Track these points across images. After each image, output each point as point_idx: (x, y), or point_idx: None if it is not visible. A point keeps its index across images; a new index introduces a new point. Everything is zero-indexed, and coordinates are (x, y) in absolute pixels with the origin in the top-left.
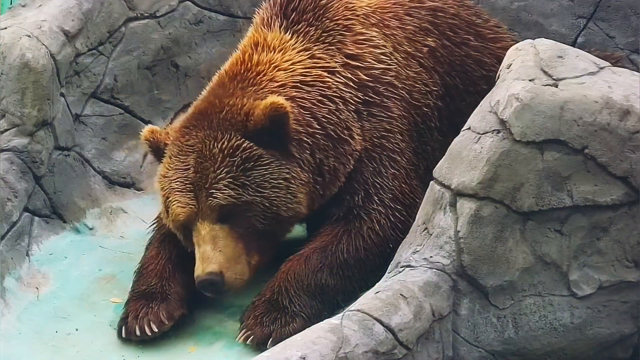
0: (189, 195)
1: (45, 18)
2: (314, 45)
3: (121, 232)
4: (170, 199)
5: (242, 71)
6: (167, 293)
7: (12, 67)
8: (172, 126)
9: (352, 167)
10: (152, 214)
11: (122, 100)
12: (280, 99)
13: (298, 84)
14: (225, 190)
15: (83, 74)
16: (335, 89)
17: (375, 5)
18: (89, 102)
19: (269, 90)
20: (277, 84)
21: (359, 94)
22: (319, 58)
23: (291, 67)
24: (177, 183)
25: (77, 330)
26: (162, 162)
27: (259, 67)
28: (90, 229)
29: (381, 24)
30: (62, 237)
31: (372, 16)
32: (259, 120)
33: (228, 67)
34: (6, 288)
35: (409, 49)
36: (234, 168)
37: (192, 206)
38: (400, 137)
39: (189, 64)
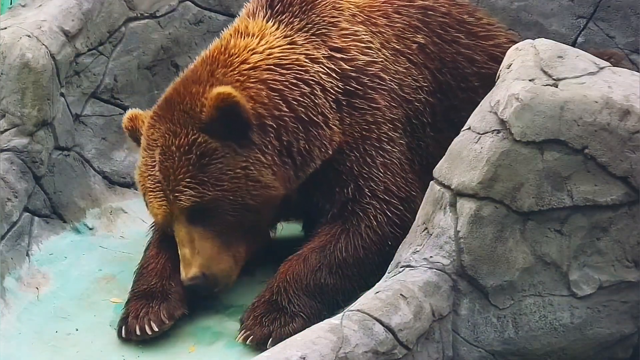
0: (159, 196)
1: (45, 18)
2: (296, 34)
3: (121, 232)
4: (146, 198)
5: (215, 55)
6: (167, 292)
7: (12, 67)
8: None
9: (330, 153)
10: None
11: (122, 100)
12: (227, 89)
13: (272, 67)
14: (186, 191)
15: (83, 74)
16: (313, 74)
17: (363, 4)
18: (89, 102)
19: (238, 73)
20: (248, 66)
21: (340, 84)
22: (300, 45)
23: (267, 50)
24: (149, 182)
25: (77, 330)
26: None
27: (233, 50)
28: (90, 229)
29: (368, 22)
30: (62, 237)
31: (359, 15)
32: (208, 112)
33: (204, 53)
34: (6, 288)
35: (397, 46)
36: (191, 167)
37: (165, 208)
38: (390, 125)
39: (189, 64)
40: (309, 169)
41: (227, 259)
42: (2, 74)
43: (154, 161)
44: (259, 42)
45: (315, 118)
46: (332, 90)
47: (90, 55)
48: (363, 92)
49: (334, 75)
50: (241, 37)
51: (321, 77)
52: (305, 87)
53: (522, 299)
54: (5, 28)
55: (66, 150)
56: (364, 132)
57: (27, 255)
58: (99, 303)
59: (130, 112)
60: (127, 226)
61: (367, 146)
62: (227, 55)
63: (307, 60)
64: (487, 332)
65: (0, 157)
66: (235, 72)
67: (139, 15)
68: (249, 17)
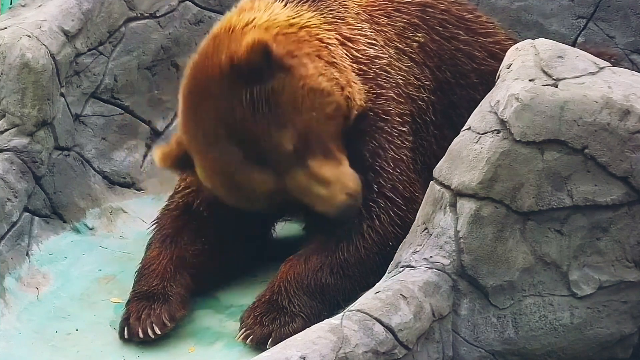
0: (261, 171)
1: (45, 18)
2: (306, 12)
3: (121, 232)
4: (245, 188)
5: (221, 33)
6: (168, 294)
7: (12, 67)
8: (176, 135)
9: (363, 105)
10: (152, 214)
11: (122, 100)
12: (252, 36)
13: (280, 26)
14: (282, 137)
15: (83, 74)
16: (325, 40)
17: (365, 3)
18: (89, 102)
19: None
20: (250, 26)
21: (355, 65)
22: (310, 20)
23: (273, 18)
24: (242, 171)
25: (77, 330)
26: (196, 170)
27: (236, 25)
28: (90, 229)
29: (371, 20)
30: (62, 237)
31: (363, 13)
32: (248, 61)
33: (210, 33)
34: (6, 288)
35: (400, 45)
36: (268, 118)
37: (269, 173)
38: (399, 120)
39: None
40: (352, 108)
41: (347, 170)
42: (2, 74)
43: (232, 151)
44: (263, 15)
45: (338, 61)
46: (346, 61)
47: (90, 55)
48: (374, 76)
49: (346, 57)
50: (247, 13)
51: (333, 42)
52: (320, 43)
53: (522, 299)
54: (5, 28)
55: (66, 150)
56: (378, 122)
57: (27, 255)
58: (99, 303)
59: (158, 152)
60: (127, 226)
61: (382, 138)
62: (229, 30)
63: (315, 28)
64: (487, 332)
65: (0, 157)
66: (239, 34)
67: (139, 15)
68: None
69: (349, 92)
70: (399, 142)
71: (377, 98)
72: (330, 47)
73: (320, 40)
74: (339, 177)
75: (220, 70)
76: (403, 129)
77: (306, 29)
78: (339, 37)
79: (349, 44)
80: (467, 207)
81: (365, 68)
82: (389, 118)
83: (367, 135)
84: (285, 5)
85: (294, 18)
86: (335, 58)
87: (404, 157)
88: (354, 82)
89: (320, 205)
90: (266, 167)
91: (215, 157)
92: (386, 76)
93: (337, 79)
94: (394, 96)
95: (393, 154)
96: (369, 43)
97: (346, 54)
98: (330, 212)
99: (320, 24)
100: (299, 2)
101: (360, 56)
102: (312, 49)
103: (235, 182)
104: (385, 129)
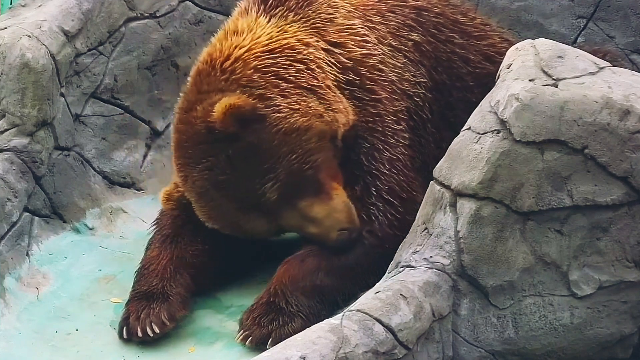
0: (255, 216)
1: (45, 18)
2: (289, 25)
3: (121, 232)
4: (242, 228)
5: (203, 69)
6: (168, 294)
7: (12, 67)
8: (174, 178)
9: (349, 125)
10: (152, 214)
11: (122, 100)
12: (223, 103)
13: (259, 53)
14: (266, 187)
15: (83, 74)
16: (306, 55)
17: (358, 2)
18: (89, 102)
19: (221, 73)
20: (229, 62)
21: (340, 76)
22: (292, 33)
23: (254, 41)
24: (235, 217)
25: (77, 330)
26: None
27: (218, 55)
28: (90, 229)
29: (364, 18)
30: (62, 237)
31: (355, 12)
32: (226, 128)
33: (194, 67)
34: (6, 288)
35: (394, 43)
36: (251, 169)
37: (262, 218)
38: (393, 118)
39: (189, 64)
40: (338, 129)
41: (338, 203)
42: (2, 74)
43: (221, 198)
44: (244, 38)
45: (319, 84)
46: (330, 76)
47: (90, 55)
48: (361, 83)
49: (332, 66)
50: (229, 39)
51: (317, 57)
52: (301, 65)
53: (522, 299)
54: (5, 28)
55: (66, 150)
56: (369, 124)
57: (27, 255)
58: (99, 303)
59: (162, 196)
60: (127, 226)
61: (374, 139)
62: (210, 66)
63: (299, 44)
64: (487, 332)
65: (0, 157)
66: (219, 74)
67: (139, 15)
68: (240, 17)
69: (330, 116)
70: (394, 141)
71: (368, 102)
72: (311, 66)
73: (301, 62)
74: (330, 214)
75: (198, 130)
76: (398, 127)
77: (287, 50)
78: (325, 44)
79: (336, 49)
80: (467, 207)
81: (352, 75)
82: (381, 118)
83: (360, 138)
84: (269, 20)
85: (276, 38)
86: (316, 80)
87: (400, 156)
88: (336, 101)
89: (316, 241)
90: (259, 212)
91: (207, 205)
92: (378, 75)
93: (314, 108)
94: (387, 95)
95: (389, 154)
96: (360, 41)
97: (333, 63)
98: (327, 246)
99: (305, 35)
100: (284, 12)
101: (347, 61)
102: (290, 81)
103: (231, 225)
104: (378, 129)
